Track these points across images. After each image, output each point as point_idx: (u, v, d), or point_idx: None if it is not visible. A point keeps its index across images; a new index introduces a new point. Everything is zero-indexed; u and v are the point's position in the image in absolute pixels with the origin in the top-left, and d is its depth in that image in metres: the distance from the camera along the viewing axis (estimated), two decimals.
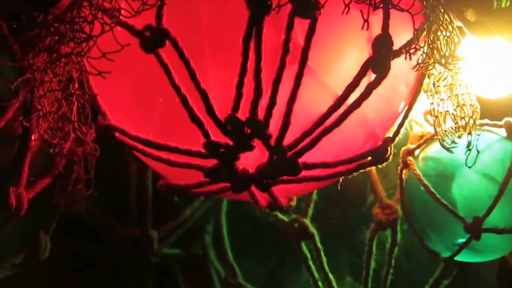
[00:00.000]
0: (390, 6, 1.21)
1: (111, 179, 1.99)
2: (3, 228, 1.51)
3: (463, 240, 1.74)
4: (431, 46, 1.35)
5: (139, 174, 2.03)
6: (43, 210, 1.66)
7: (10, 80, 1.38)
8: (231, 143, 1.24)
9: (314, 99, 1.26)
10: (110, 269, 2.26)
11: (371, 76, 1.25)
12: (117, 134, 1.38)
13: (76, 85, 1.37)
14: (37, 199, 1.55)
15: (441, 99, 1.51)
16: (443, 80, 1.49)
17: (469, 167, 1.66)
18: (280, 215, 1.94)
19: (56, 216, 1.69)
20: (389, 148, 1.41)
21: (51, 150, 1.56)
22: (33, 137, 1.50)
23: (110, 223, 2.05)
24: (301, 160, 1.29)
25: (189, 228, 2.20)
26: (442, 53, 1.37)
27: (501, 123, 1.80)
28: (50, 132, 1.47)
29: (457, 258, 1.82)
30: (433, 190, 1.72)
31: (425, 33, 1.32)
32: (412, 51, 1.30)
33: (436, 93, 1.50)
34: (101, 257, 2.18)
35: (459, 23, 1.49)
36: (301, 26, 1.17)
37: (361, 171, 1.43)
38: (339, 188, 1.53)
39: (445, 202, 1.71)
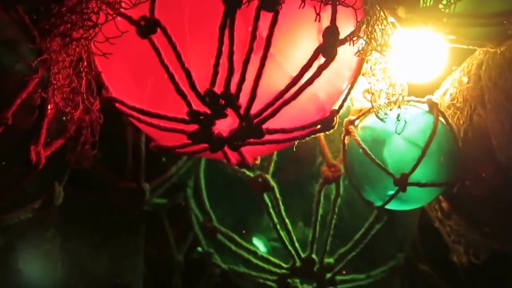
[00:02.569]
0: (337, 3, 1.24)
1: (112, 142, 1.98)
2: (26, 179, 1.50)
3: (392, 192, 1.75)
4: (369, 36, 1.36)
5: (134, 138, 2.03)
6: (57, 165, 1.65)
7: (30, 60, 1.39)
8: (209, 111, 1.27)
9: (275, 78, 1.27)
10: (110, 215, 2.25)
11: (321, 60, 1.26)
12: (117, 105, 1.38)
13: (85, 64, 1.38)
14: (53, 156, 1.55)
15: (377, 80, 1.53)
16: (378, 64, 1.51)
17: (398, 134, 1.68)
18: (247, 172, 1.95)
19: (67, 170, 1.68)
20: (335, 119, 1.42)
21: (64, 117, 1.57)
22: (49, 107, 1.50)
23: (111, 178, 2.04)
24: (264, 126, 1.31)
25: (174, 182, 2.20)
26: (378, 42, 1.38)
27: (424, 100, 1.81)
28: (63, 102, 1.48)
29: (387, 206, 1.83)
30: (369, 152, 1.73)
31: (365, 26, 1.34)
32: (354, 40, 1.30)
33: (373, 75, 1.51)
34: (103, 204, 2.17)
35: (392, 19, 1.50)
36: (265, 18, 1.18)
37: (312, 136, 1.44)
38: (294, 150, 1.53)
39: (378, 162, 1.73)
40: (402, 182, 1.71)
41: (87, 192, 2.09)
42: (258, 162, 1.59)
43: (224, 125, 1.32)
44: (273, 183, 1.93)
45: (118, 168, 2.05)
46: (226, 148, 1.38)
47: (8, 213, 1.57)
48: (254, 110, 1.27)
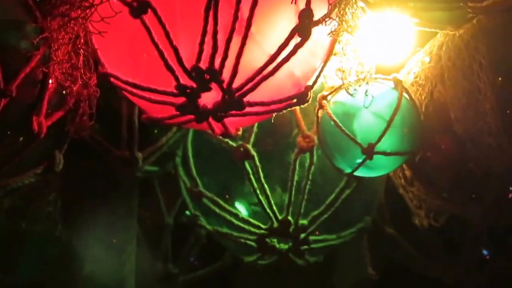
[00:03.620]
0: None
1: (108, 115, 1.98)
2: (29, 147, 1.50)
3: (360, 160, 1.77)
4: (341, 19, 1.36)
5: (128, 111, 2.02)
6: (57, 135, 1.65)
7: (33, 38, 1.39)
8: (195, 85, 1.27)
9: (255, 55, 1.27)
10: (107, 181, 2.25)
11: (297, 39, 1.27)
12: (112, 79, 1.38)
13: (82, 41, 1.38)
14: (53, 126, 1.55)
15: (347, 59, 1.53)
16: (349, 45, 1.51)
17: (366, 108, 1.69)
18: (230, 142, 1.95)
19: (67, 140, 1.68)
20: (309, 93, 1.43)
21: (64, 91, 1.56)
22: (50, 81, 1.49)
23: (107, 147, 2.04)
24: (245, 99, 1.32)
25: (165, 151, 2.19)
26: (348, 24, 1.38)
27: (390, 77, 1.82)
28: (62, 77, 1.48)
29: (356, 173, 1.85)
30: (340, 124, 1.75)
31: (337, 9, 1.34)
32: (327, 21, 1.31)
33: (344, 54, 1.52)
34: (100, 172, 2.17)
35: (362, 3, 1.51)
36: (247, 0, 1.19)
37: (288, 109, 1.45)
38: (273, 122, 1.54)
39: (348, 133, 1.74)
40: (369, 151, 1.73)
41: (85, 160, 2.08)
42: (240, 133, 1.59)
43: (209, 98, 1.32)
44: (253, 152, 1.94)
45: (114, 138, 2.04)
46: (210, 119, 1.38)
47: (13, 177, 1.56)
48: (236, 84, 1.28)
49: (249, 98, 1.32)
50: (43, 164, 1.63)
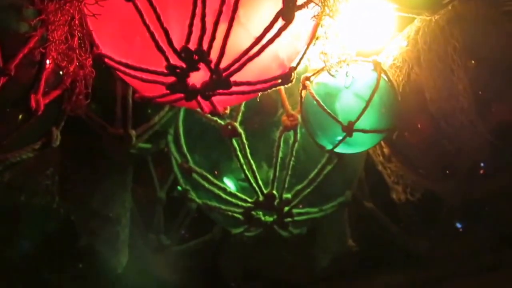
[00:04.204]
0: None
1: (103, 94, 1.98)
2: (27, 123, 1.50)
3: (341, 137, 1.78)
4: (323, 3, 1.37)
5: (123, 91, 2.02)
6: (55, 113, 1.65)
7: (31, 20, 1.39)
8: (184, 66, 1.28)
9: (241, 37, 1.28)
10: (102, 157, 2.25)
11: (281, 23, 1.27)
12: (106, 60, 1.37)
13: (77, 23, 1.38)
14: (51, 105, 1.55)
15: (330, 42, 1.53)
16: (331, 29, 1.51)
17: (347, 88, 1.70)
18: (218, 120, 1.95)
19: (64, 117, 1.67)
20: (293, 74, 1.43)
21: (61, 71, 1.56)
22: (47, 61, 1.49)
23: (102, 125, 2.04)
24: (232, 79, 1.32)
25: (157, 130, 2.19)
26: (331, 9, 1.39)
27: (370, 60, 1.83)
28: (59, 58, 1.47)
29: (336, 150, 1.86)
30: (322, 103, 1.75)
31: None
32: (310, 6, 1.31)
33: (326, 38, 1.51)
34: (96, 148, 2.17)
35: None
36: None
37: (273, 89, 1.45)
38: (259, 101, 1.55)
39: (329, 112, 1.75)
40: (349, 129, 1.74)
41: (82, 137, 2.08)
42: (227, 111, 1.59)
43: (198, 78, 1.32)
44: (240, 130, 1.94)
45: (108, 117, 2.04)
46: (199, 98, 1.38)
47: (12, 152, 1.56)
48: (223, 65, 1.28)
49: (235, 78, 1.33)
50: (41, 140, 1.62)
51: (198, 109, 1.47)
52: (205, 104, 1.44)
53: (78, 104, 1.67)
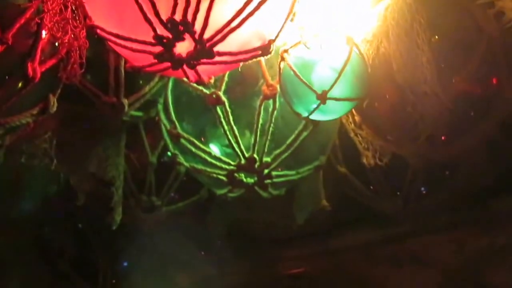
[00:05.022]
0: None
1: (97, 64, 1.96)
2: (25, 90, 1.47)
3: (315, 105, 1.77)
4: None
5: (115, 62, 1.99)
6: (51, 81, 1.62)
7: None
8: (170, 36, 1.25)
9: (224, 10, 1.25)
10: (97, 125, 2.23)
11: None
12: (98, 31, 1.35)
13: None
14: (47, 73, 1.53)
15: (307, 17, 1.52)
16: (308, 5, 1.49)
17: (321, 60, 1.69)
18: (204, 90, 1.94)
19: (60, 85, 1.65)
20: (271, 46, 1.41)
21: (56, 42, 1.53)
22: (44, 32, 1.46)
23: (97, 93, 2.01)
24: (215, 49, 1.30)
25: (148, 99, 2.17)
26: None
27: (343, 34, 1.81)
28: (54, 29, 1.44)
29: (312, 117, 1.86)
30: (298, 74, 1.75)
31: None
32: None
33: (304, 13, 1.50)
34: (92, 116, 2.15)
35: None
36: None
37: (255, 62, 1.44)
38: (241, 73, 1.54)
39: (305, 81, 1.74)
40: (322, 97, 1.73)
41: (78, 105, 2.06)
42: (212, 81, 1.57)
43: (183, 48, 1.30)
44: (224, 98, 1.92)
45: (102, 85, 2.01)
46: (185, 67, 1.36)
47: (12, 116, 1.53)
48: (206, 35, 1.26)
49: (218, 48, 1.30)
50: (39, 106, 1.60)
51: (185, 79, 1.45)
52: (191, 74, 1.42)
53: (73, 73, 1.64)
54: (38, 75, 1.46)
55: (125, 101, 2.06)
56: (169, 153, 2.29)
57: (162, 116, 2.16)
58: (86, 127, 2.17)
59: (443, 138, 1.96)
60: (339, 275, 3.82)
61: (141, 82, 2.15)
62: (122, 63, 1.98)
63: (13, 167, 2.57)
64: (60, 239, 3.42)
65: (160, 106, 2.20)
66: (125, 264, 3.57)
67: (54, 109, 1.65)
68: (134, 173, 2.66)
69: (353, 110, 2.06)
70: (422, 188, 2.56)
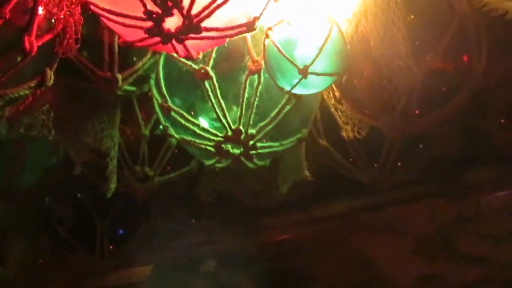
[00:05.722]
0: None
1: (93, 41, 1.93)
2: (22, 62, 1.45)
3: (298, 79, 1.76)
4: None
5: (109, 38, 1.97)
6: (48, 55, 1.60)
7: None
8: (160, 11, 1.23)
9: None
10: (92, 99, 2.21)
11: None
12: (91, 7, 1.33)
13: None
14: (44, 48, 1.51)
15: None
16: None
17: (303, 38, 1.68)
18: (193, 65, 1.92)
19: (56, 59, 1.63)
20: (256, 23, 1.40)
21: (52, 19, 1.51)
22: (40, 8, 1.44)
23: (92, 68, 1.99)
24: (202, 24, 1.29)
25: (141, 75, 2.14)
26: None
27: (324, 13, 1.80)
28: (50, 5, 1.43)
29: (294, 91, 1.85)
30: (282, 50, 1.74)
31: None
32: None
33: None
34: (88, 90, 2.13)
35: None
36: None
37: (241, 38, 1.42)
38: (228, 49, 1.52)
39: (288, 57, 1.73)
40: (304, 72, 1.73)
41: (75, 79, 2.04)
42: (200, 56, 1.56)
43: (172, 23, 1.29)
44: (212, 73, 1.91)
45: (97, 60, 1.99)
46: (174, 42, 1.35)
47: (10, 88, 1.52)
48: (194, 11, 1.24)
49: (206, 24, 1.29)
50: (36, 78, 1.58)
51: (175, 54, 1.44)
52: (180, 48, 1.41)
53: (68, 48, 1.62)
54: (35, 48, 1.43)
55: (119, 76, 2.04)
56: (161, 127, 2.27)
57: (154, 91, 2.14)
58: (82, 100, 2.15)
59: (416, 111, 1.96)
60: (321, 241, 3.86)
61: (134, 58, 2.13)
62: (116, 39, 1.96)
63: (14, 140, 2.57)
64: (60, 208, 3.41)
65: (152, 81, 2.18)
66: (121, 231, 3.58)
67: (51, 82, 1.63)
68: (129, 145, 2.65)
69: (333, 85, 2.05)
70: (398, 160, 2.57)
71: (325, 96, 2.22)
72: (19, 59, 1.46)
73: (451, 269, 4.26)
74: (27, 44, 1.40)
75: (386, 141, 2.40)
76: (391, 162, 2.51)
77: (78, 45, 1.64)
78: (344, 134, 2.31)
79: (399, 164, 2.60)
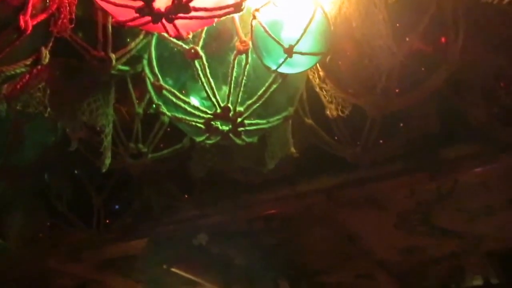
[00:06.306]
0: None
1: (87, 20, 1.91)
2: (18, 41, 1.44)
3: (283, 58, 1.76)
4: None
5: (104, 19, 1.95)
6: (43, 35, 1.59)
7: None
8: None
9: None
10: (87, 78, 2.20)
11: None
12: None
13: None
14: (40, 27, 1.50)
15: None
16: None
17: (289, 18, 1.67)
18: (183, 45, 1.90)
19: (51, 38, 1.61)
20: (243, 4, 1.40)
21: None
22: None
23: (86, 47, 1.97)
24: (191, 4, 1.29)
25: (134, 55, 2.12)
26: None
27: None
28: None
29: (280, 70, 1.85)
30: (268, 30, 1.73)
31: None
32: None
33: None
34: (83, 69, 2.11)
35: None
36: None
37: (230, 19, 1.42)
38: (217, 30, 1.51)
39: (274, 37, 1.73)
40: (289, 51, 1.72)
41: (71, 59, 2.02)
42: (190, 36, 1.56)
43: (162, 3, 1.30)
44: (201, 53, 1.89)
45: (91, 40, 1.97)
46: (164, 21, 1.34)
47: (6, 66, 1.50)
48: None
49: (194, 4, 1.30)
50: (32, 57, 1.57)
51: (166, 34, 1.43)
52: (170, 28, 1.41)
53: (63, 27, 1.61)
54: (30, 27, 1.43)
55: (113, 56, 2.02)
56: (153, 105, 2.26)
57: (147, 70, 2.13)
58: (78, 80, 2.13)
59: (396, 90, 1.97)
60: (306, 216, 3.89)
61: (128, 39, 2.11)
62: (110, 20, 1.94)
63: (13, 119, 2.55)
64: (58, 184, 3.41)
65: (145, 61, 2.16)
66: (117, 206, 3.59)
67: (46, 60, 1.62)
68: (124, 124, 2.64)
69: (317, 65, 2.05)
70: (379, 138, 2.58)
71: (311, 77, 2.22)
72: (15, 37, 1.45)
73: (430, 242, 4.32)
74: (22, 23, 1.40)
75: (368, 120, 2.40)
76: (372, 140, 2.52)
77: (73, 25, 1.63)
78: (328, 112, 2.32)
79: (381, 141, 2.61)
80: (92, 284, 4.86)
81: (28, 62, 1.55)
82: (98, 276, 4.64)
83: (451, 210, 3.80)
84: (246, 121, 2.05)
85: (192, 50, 1.88)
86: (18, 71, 1.54)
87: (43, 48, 1.59)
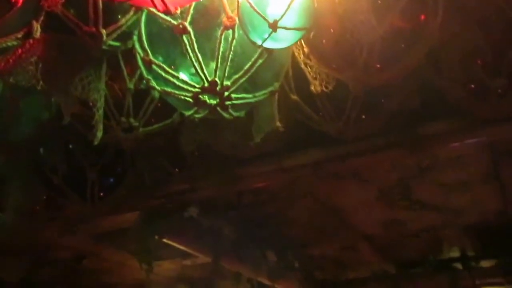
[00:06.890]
0: None
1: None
2: (8, 14, 1.42)
3: (268, 33, 1.75)
4: None
5: None
6: (34, 9, 1.57)
7: None
8: None
9: None
10: (79, 54, 2.17)
11: None
12: None
13: None
14: (31, 1, 1.48)
15: None
16: None
17: None
18: (172, 21, 1.88)
19: (42, 12, 1.59)
20: None
21: None
22: None
23: (77, 23, 1.93)
24: None
25: (125, 31, 2.09)
26: None
27: None
28: None
29: (265, 45, 1.84)
30: (253, 5, 1.71)
31: None
32: None
33: None
34: (75, 44, 2.08)
35: None
36: None
37: None
38: (205, 6, 1.49)
39: (259, 12, 1.72)
40: (274, 25, 1.71)
41: (63, 34, 1.99)
42: (178, 12, 1.54)
43: None
44: (190, 28, 1.87)
45: (82, 16, 1.94)
46: None
47: None
48: None
49: None
50: (23, 30, 1.55)
51: (155, 10, 1.42)
52: (158, 3, 1.39)
53: (54, 2, 1.59)
54: (20, 0, 1.40)
55: (103, 31, 1.99)
56: (144, 81, 2.24)
57: (137, 45, 2.10)
58: (70, 55, 2.10)
59: (377, 65, 1.97)
60: (293, 189, 3.90)
61: (119, 16, 2.08)
62: None
63: (8, 95, 2.53)
64: (53, 158, 3.40)
65: (135, 38, 2.14)
66: (111, 179, 3.58)
67: (38, 34, 1.60)
68: (116, 99, 2.63)
69: (302, 42, 2.04)
70: (361, 114, 2.59)
71: (296, 53, 2.21)
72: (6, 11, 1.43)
73: (410, 215, 4.36)
74: None
75: (351, 96, 2.40)
76: (355, 116, 2.52)
77: (63, 0, 1.60)
78: (313, 88, 2.31)
79: (363, 117, 2.62)
80: (91, 257, 4.89)
81: (19, 35, 1.53)
82: (95, 248, 4.66)
83: (430, 184, 3.84)
84: (233, 95, 2.04)
85: (180, 26, 1.86)
86: (9, 43, 1.52)
87: (34, 22, 1.57)
